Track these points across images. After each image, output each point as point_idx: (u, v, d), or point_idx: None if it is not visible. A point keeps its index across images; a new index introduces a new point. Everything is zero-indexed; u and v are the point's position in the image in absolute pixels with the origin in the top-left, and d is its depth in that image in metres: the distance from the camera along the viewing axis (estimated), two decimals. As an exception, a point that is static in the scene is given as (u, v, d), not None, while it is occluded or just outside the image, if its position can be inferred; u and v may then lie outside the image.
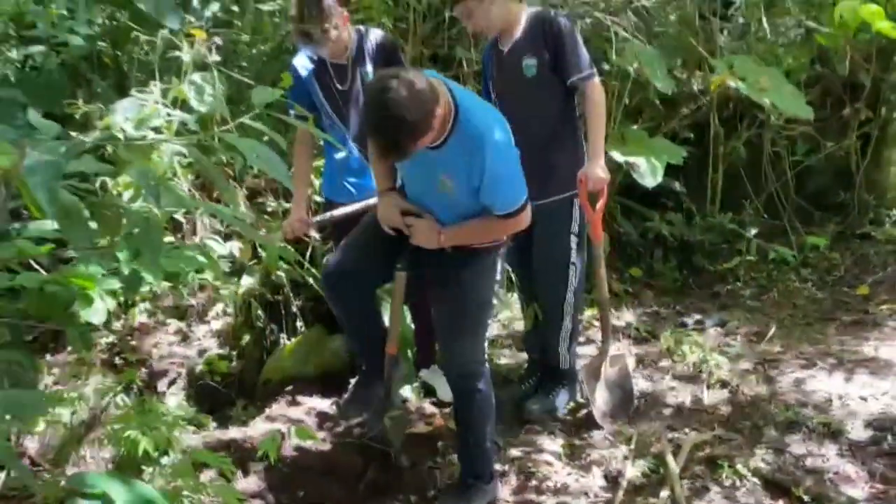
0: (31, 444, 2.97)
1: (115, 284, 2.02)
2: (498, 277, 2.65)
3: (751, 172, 4.96)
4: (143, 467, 2.35)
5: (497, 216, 2.39)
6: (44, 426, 2.88)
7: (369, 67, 2.99)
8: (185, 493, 2.23)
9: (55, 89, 4.16)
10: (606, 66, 4.89)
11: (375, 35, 3.07)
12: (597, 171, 2.91)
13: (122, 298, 2.44)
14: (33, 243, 2.08)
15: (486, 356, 2.65)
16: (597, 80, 2.97)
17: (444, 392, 3.32)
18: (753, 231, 4.61)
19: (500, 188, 2.35)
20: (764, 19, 4.37)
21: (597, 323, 3.48)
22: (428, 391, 3.40)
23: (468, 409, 2.66)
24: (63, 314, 1.91)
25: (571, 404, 3.20)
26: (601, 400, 3.08)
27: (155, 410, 2.47)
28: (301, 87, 2.94)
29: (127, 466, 2.29)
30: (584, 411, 3.13)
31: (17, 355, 1.77)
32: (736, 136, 4.94)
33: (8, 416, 1.34)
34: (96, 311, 1.99)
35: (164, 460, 2.40)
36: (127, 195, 2.73)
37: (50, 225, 2.32)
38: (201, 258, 2.13)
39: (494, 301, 2.74)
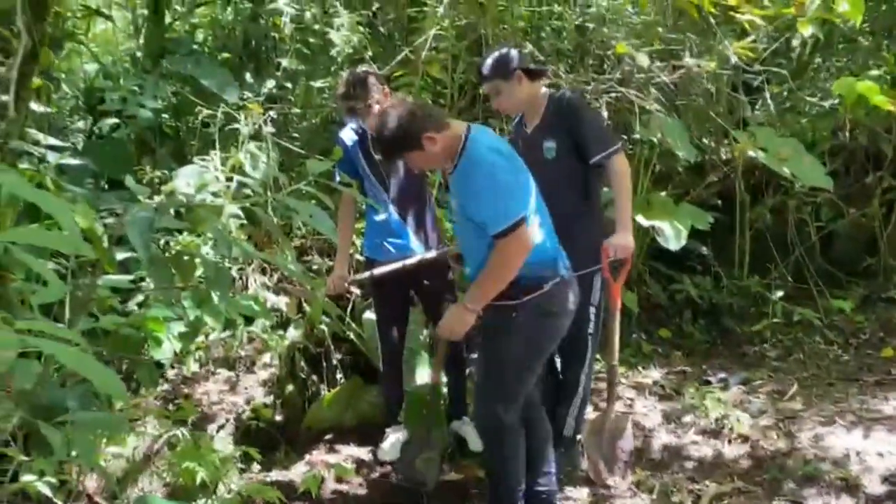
0: (90, 483, 3.22)
1: (182, 328, 2.29)
2: (533, 336, 2.60)
3: (777, 237, 5.10)
4: (196, 499, 2.55)
5: (494, 239, 2.43)
6: (103, 463, 3.13)
7: None
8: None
9: (124, 157, 4.57)
10: (635, 136, 5.20)
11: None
12: (624, 240, 2.99)
13: (179, 347, 2.69)
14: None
15: (512, 413, 2.63)
16: (621, 153, 3.06)
17: (476, 443, 3.48)
18: (779, 294, 4.72)
19: (485, 200, 2.44)
20: (768, 95, 4.56)
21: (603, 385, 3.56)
22: (460, 442, 3.56)
23: (493, 461, 2.78)
24: (135, 354, 2.16)
25: (567, 469, 3.23)
26: (599, 456, 3.17)
27: (208, 447, 2.69)
28: (347, 156, 3.24)
29: (181, 497, 2.50)
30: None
31: (91, 388, 2.02)
32: (762, 203, 5.13)
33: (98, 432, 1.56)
34: (164, 352, 2.25)
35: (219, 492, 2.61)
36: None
37: (122, 278, 2.63)
38: (255, 308, 2.38)
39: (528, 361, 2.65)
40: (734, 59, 3.92)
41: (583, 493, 3.07)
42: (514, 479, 2.72)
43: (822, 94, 5.52)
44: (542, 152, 3.06)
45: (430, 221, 3.36)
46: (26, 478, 2.70)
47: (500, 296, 2.51)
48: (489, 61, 3.04)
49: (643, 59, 3.87)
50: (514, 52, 3.08)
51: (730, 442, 3.32)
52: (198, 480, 2.44)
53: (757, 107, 5.39)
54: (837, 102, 5.12)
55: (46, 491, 2.91)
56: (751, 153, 4.24)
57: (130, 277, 2.56)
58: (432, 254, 3.24)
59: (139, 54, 5.11)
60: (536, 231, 2.51)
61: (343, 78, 3.20)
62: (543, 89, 3.16)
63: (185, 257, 1.61)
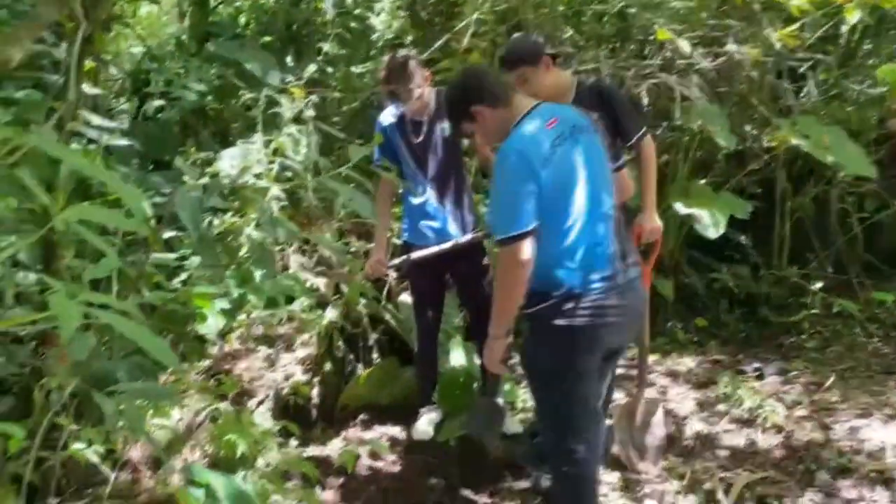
0: (135, 453, 3.35)
1: (226, 304, 2.37)
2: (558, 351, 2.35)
3: (818, 227, 5.02)
4: (236, 471, 2.64)
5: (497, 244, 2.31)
6: (145, 436, 3.25)
7: (447, 123, 3.31)
8: (273, 495, 2.52)
9: (169, 139, 4.68)
10: (674, 123, 5.15)
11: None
12: (653, 222, 3.06)
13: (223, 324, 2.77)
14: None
15: (561, 443, 2.41)
16: (649, 136, 3.10)
17: (508, 425, 3.53)
18: (819, 285, 4.66)
19: (493, 200, 2.39)
20: (813, 83, 4.47)
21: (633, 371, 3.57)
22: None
23: (553, 486, 2.69)
24: (181, 329, 2.25)
25: None
26: (633, 442, 3.19)
27: (249, 421, 2.78)
28: (386, 139, 3.28)
29: (222, 468, 2.59)
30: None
31: (144, 361, 2.11)
32: (803, 192, 5.05)
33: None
34: (209, 328, 2.33)
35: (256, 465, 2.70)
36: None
37: (168, 256, 2.72)
38: (295, 287, 2.44)
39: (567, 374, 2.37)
40: (778, 46, 3.86)
41: (613, 476, 3.10)
42: None
43: (870, 82, 5.40)
44: None
45: (467, 205, 3.39)
46: (76, 446, 2.83)
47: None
48: (514, 48, 3.01)
49: (685, 45, 3.84)
50: (538, 38, 3.07)
51: (763, 432, 3.31)
52: (238, 453, 2.53)
53: (801, 95, 5.30)
54: (886, 90, 5.01)
55: (94, 458, 3.04)
56: (793, 141, 4.17)
57: (175, 256, 2.64)
58: (468, 237, 3.28)
59: (184, 37, 5.21)
60: (564, 243, 2.28)
61: (384, 62, 3.23)
62: (568, 75, 3.15)
63: (231, 237, 1.67)
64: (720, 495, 2.85)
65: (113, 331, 2.08)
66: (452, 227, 3.31)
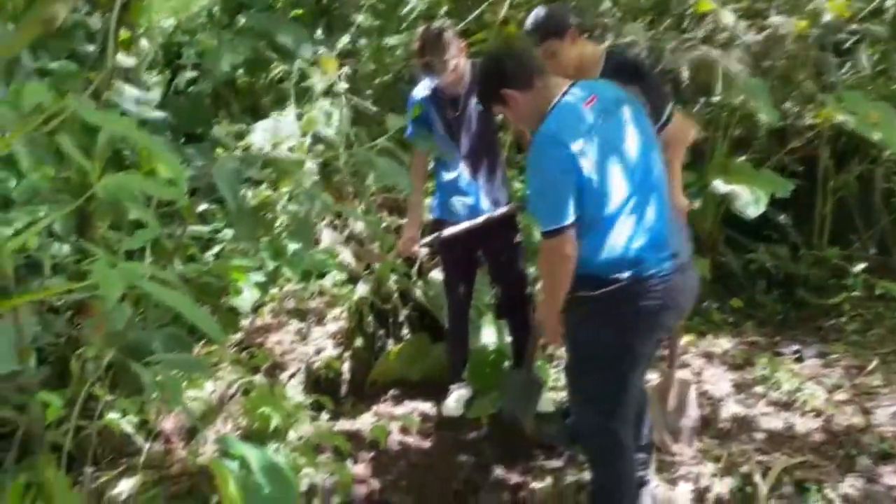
0: (168, 423, 3.38)
1: (261, 278, 2.35)
2: (611, 339, 2.30)
3: (861, 207, 4.87)
4: (268, 443, 2.65)
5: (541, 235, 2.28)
6: (182, 406, 3.28)
7: None
8: (305, 468, 2.52)
9: (201, 112, 4.67)
10: (713, 98, 5.02)
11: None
12: (679, 199, 2.92)
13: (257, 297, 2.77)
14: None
15: (603, 427, 2.39)
16: (678, 114, 2.98)
17: (541, 403, 3.50)
18: (861, 266, 4.53)
19: (531, 190, 2.36)
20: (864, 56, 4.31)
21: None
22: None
23: (590, 468, 2.64)
24: (215, 301, 2.24)
25: None
26: (666, 423, 3.14)
27: (282, 394, 2.78)
28: (420, 113, 3.22)
29: (254, 440, 2.60)
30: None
31: (178, 332, 2.10)
32: (847, 170, 4.90)
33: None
34: (244, 300, 2.32)
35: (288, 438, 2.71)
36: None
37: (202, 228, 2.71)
38: (329, 261, 2.42)
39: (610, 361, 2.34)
40: (828, 18, 3.71)
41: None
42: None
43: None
44: None
45: (500, 180, 3.33)
46: (110, 416, 2.85)
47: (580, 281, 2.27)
48: (540, 21, 2.87)
49: (727, 17, 3.71)
50: (563, 9, 2.98)
51: (802, 415, 3.24)
52: (271, 426, 2.53)
53: (844, 70, 5.13)
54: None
55: (129, 429, 3.07)
56: (839, 117, 4.04)
57: (209, 228, 2.63)
58: (501, 211, 3.23)
59: (216, 10, 5.18)
60: (617, 231, 2.21)
61: (419, 33, 3.17)
62: (596, 47, 3.03)
63: (267, 210, 1.64)
64: (757, 478, 2.79)
65: (148, 301, 2.08)
66: (485, 203, 3.26)
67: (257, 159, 1.72)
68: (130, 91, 2.80)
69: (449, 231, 3.27)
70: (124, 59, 3.07)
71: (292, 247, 2.22)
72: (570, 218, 2.16)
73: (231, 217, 1.52)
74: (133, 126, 2.60)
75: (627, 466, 2.47)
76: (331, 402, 3.23)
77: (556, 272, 2.27)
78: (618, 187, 2.21)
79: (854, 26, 4.30)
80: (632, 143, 2.25)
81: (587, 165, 2.15)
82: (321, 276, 3.90)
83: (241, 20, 4.69)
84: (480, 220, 3.21)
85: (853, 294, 4.45)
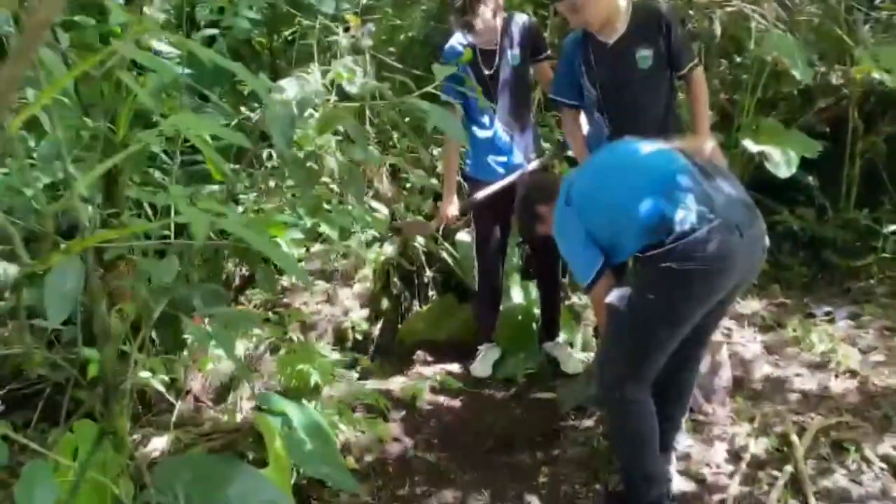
0: (195, 384, 3.38)
1: (299, 234, 2.31)
2: (665, 306, 2.24)
3: (890, 169, 4.79)
4: (303, 400, 2.63)
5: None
6: (211, 366, 3.27)
7: (517, 51, 3.17)
8: (341, 425, 2.50)
9: (221, 70, 4.58)
10: (739, 59, 4.91)
11: (521, 19, 3.23)
12: (705, 142, 2.86)
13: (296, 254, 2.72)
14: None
15: (626, 387, 2.34)
16: (700, 68, 2.98)
17: (568, 364, 3.48)
18: (892, 228, 4.47)
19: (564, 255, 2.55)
20: None
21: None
22: (551, 362, 3.57)
23: (609, 426, 2.65)
24: (255, 258, 2.20)
25: None
26: (699, 383, 3.11)
27: (317, 351, 2.76)
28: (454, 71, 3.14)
29: (290, 397, 2.58)
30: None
31: (216, 287, 2.07)
32: (876, 132, 4.80)
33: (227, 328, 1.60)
34: (283, 257, 2.27)
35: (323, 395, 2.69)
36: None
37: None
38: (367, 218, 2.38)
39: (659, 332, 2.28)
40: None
41: (682, 422, 3.03)
42: (638, 466, 2.43)
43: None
44: (636, 62, 2.87)
45: (533, 138, 3.28)
46: (142, 374, 2.84)
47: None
48: None
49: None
50: None
51: (837, 376, 3.21)
52: (311, 383, 2.51)
53: (872, 25, 5.00)
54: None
55: (159, 387, 3.05)
56: (875, 75, 3.94)
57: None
58: (534, 164, 3.18)
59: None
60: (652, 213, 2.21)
61: None
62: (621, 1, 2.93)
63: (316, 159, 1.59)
64: (794, 438, 2.77)
65: (188, 255, 2.04)
66: (519, 160, 3.21)
67: (311, 103, 1.65)
68: (158, 45, 2.72)
69: (485, 191, 3.22)
70: (151, 11, 2.99)
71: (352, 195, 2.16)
72: (596, 264, 2.35)
73: (284, 165, 1.47)
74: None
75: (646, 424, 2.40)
76: (366, 361, 3.21)
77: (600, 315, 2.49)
78: (641, 199, 2.24)
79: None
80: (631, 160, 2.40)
81: (599, 212, 2.34)
82: (346, 236, 3.86)
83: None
84: (514, 176, 3.16)
85: (882, 256, 4.39)
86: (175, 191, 1.42)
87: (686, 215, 2.16)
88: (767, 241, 2.37)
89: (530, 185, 2.87)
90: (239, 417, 2.96)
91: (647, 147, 2.41)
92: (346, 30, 3.88)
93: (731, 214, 2.19)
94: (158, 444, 2.95)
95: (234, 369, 3.13)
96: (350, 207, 2.40)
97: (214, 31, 4.30)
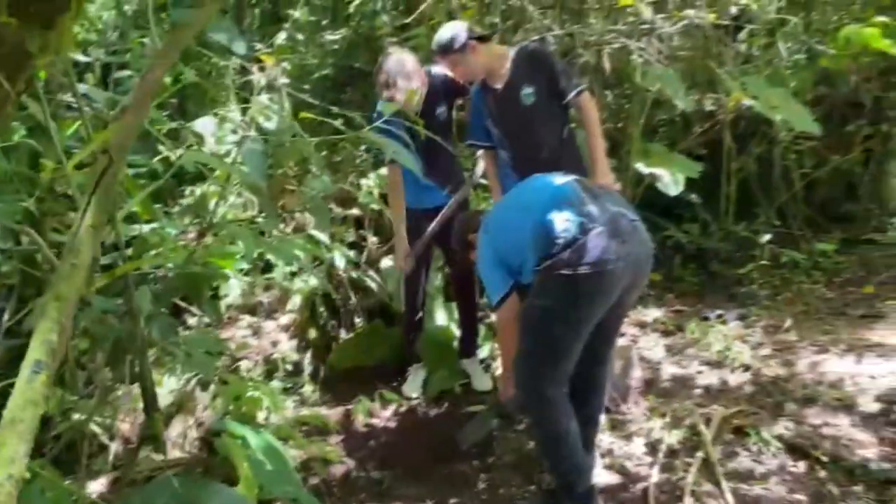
0: (125, 426, 3.34)
1: (245, 265, 2.40)
2: (563, 309, 2.45)
3: (762, 185, 5.33)
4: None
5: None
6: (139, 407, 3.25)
7: (443, 108, 3.43)
8: (291, 450, 2.59)
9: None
10: (624, 90, 5.36)
11: (440, 74, 3.44)
12: (606, 177, 3.22)
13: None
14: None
15: (544, 387, 2.52)
16: (587, 92, 3.30)
17: (479, 382, 3.69)
18: (767, 237, 4.97)
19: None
20: (781, 45, 4.73)
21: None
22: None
23: (532, 426, 2.85)
24: (200, 291, 2.28)
25: None
26: (611, 385, 3.34)
27: (256, 382, 2.83)
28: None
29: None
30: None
31: (169, 318, 2.14)
32: (747, 152, 5.35)
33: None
34: (232, 287, 2.36)
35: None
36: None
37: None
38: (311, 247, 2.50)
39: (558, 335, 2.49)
40: (734, 11, 4.08)
41: (601, 418, 3.28)
42: (563, 460, 2.60)
43: (800, 46, 5.74)
44: (521, 100, 3.23)
45: (456, 169, 3.53)
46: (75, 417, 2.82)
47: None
48: (440, 41, 3.18)
49: (645, 10, 4.01)
50: (460, 26, 3.22)
51: (733, 371, 3.57)
52: (263, 407, 2.58)
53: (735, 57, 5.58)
54: (807, 58, 5.35)
55: (96, 429, 3.03)
56: (744, 101, 4.42)
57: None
58: (461, 196, 3.42)
59: (131, 9, 5.06)
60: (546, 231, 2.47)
61: (380, 64, 3.29)
62: (500, 48, 3.36)
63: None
64: (702, 428, 3.07)
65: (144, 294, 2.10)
66: (446, 191, 3.46)
67: (282, 141, 1.78)
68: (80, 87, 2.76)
69: (429, 232, 3.42)
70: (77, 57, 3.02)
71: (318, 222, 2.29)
72: (505, 287, 2.63)
73: (257, 196, 1.58)
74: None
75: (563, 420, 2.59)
76: (309, 385, 3.29)
77: (505, 337, 2.77)
78: (532, 219, 2.53)
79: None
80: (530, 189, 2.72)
81: (506, 236, 2.63)
82: (269, 269, 3.94)
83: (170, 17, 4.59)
84: (451, 207, 3.38)
85: (761, 263, 4.88)
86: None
87: (568, 227, 2.43)
88: (653, 247, 2.64)
89: (462, 218, 3.14)
90: (176, 454, 2.98)
91: (550, 180, 2.70)
92: (262, 69, 3.98)
93: (612, 224, 2.46)
94: (94, 487, 2.92)
95: (165, 405, 3.13)
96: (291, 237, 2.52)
97: (127, 72, 4.32)
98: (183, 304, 3.42)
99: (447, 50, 3.15)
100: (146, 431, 3.38)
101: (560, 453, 2.61)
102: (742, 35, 5.80)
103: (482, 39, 3.22)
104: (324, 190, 2.08)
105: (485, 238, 2.72)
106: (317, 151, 3.38)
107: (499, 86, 3.26)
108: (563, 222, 2.43)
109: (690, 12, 4.08)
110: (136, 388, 3.24)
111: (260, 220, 3.56)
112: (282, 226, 4.07)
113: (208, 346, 1.76)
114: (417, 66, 3.28)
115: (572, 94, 3.24)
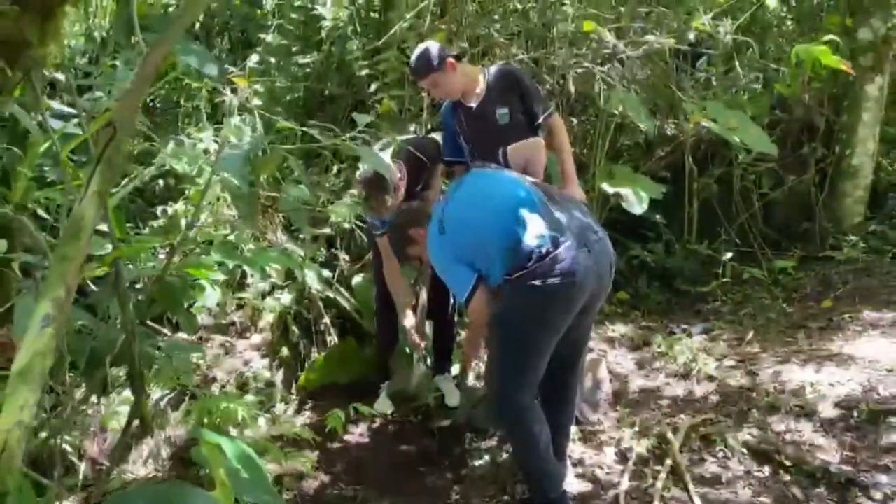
0: (94, 448, 3.31)
1: (221, 277, 2.42)
2: (535, 318, 2.53)
3: (723, 205, 5.51)
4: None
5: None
6: (114, 423, 3.22)
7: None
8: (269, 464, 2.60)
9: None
10: (588, 115, 5.51)
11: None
12: (577, 192, 3.36)
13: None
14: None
15: (517, 395, 2.58)
16: (556, 114, 3.47)
17: (451, 398, 3.73)
18: (728, 256, 5.12)
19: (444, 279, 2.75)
20: (738, 66, 4.92)
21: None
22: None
23: (507, 433, 2.88)
24: (177, 302, 2.29)
25: None
26: (581, 398, 3.41)
27: (230, 395, 2.83)
28: None
29: (214, 439, 2.63)
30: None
31: (145, 329, 2.15)
32: (708, 174, 5.52)
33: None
34: (209, 297, 2.38)
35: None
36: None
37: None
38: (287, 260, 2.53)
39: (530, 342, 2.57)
40: (693, 37, 4.25)
41: (571, 430, 3.33)
42: (530, 460, 2.68)
43: (756, 75, 5.98)
44: (496, 119, 3.33)
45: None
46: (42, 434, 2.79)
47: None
48: (421, 60, 3.25)
49: (608, 36, 4.17)
50: (436, 46, 3.32)
51: (698, 382, 3.66)
52: (239, 419, 2.58)
53: (694, 84, 5.78)
54: (763, 85, 5.59)
55: (68, 448, 2.99)
56: (704, 123, 4.59)
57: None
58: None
59: (108, 33, 5.09)
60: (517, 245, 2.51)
61: (360, 180, 3.33)
62: (475, 68, 3.48)
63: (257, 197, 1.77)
64: (670, 436, 3.15)
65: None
66: None
67: (260, 147, 1.83)
68: (58, 107, 2.79)
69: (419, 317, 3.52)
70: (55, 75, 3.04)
71: (248, 246, 2.34)
72: (470, 281, 2.58)
73: (236, 203, 1.62)
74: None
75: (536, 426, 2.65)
76: (263, 410, 3.29)
77: (476, 326, 2.80)
78: (498, 226, 2.56)
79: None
80: (474, 204, 2.67)
81: (466, 237, 2.59)
82: (241, 288, 3.95)
83: (140, 41, 4.63)
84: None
85: (723, 280, 5.02)
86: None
87: (540, 240, 2.50)
88: (614, 255, 2.73)
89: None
90: (143, 472, 2.96)
91: (503, 175, 2.80)
92: (234, 91, 4.04)
93: (579, 233, 2.56)
94: (66, 505, 2.88)
95: (134, 426, 3.10)
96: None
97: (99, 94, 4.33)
98: (153, 325, 3.43)
99: (428, 69, 3.22)
100: (124, 437, 3.33)
101: (534, 459, 2.67)
102: (701, 62, 6.06)
103: (457, 59, 3.32)
104: (301, 198, 2.13)
105: (439, 240, 2.65)
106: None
107: (472, 104, 3.36)
108: (535, 238, 2.50)
109: (651, 38, 4.24)
110: (103, 409, 3.24)
111: (232, 238, 3.60)
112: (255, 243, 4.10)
113: (188, 350, 1.78)
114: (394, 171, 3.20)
115: (543, 116, 3.36)
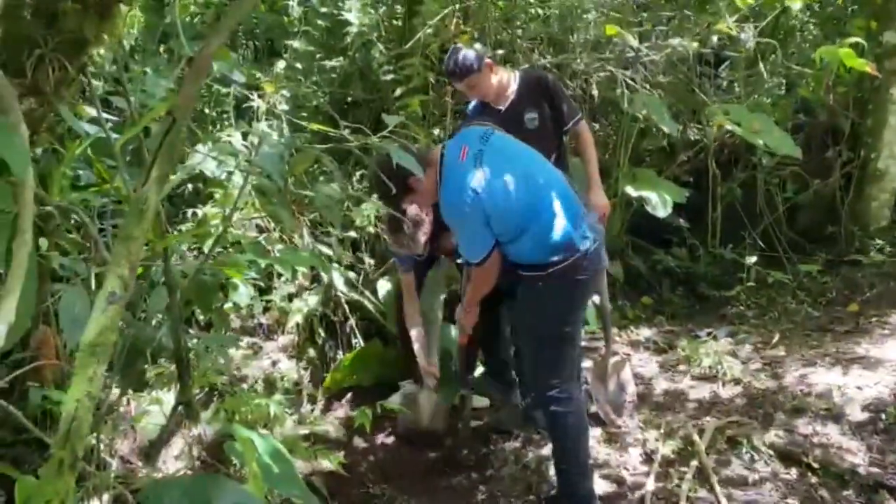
0: (124, 447, 3.37)
1: (254, 275, 2.47)
2: (559, 310, 2.65)
3: (747, 209, 5.49)
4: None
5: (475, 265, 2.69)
6: (145, 422, 3.28)
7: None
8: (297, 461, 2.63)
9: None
10: (611, 120, 5.53)
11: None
12: (601, 199, 3.43)
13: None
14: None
15: (560, 387, 2.66)
16: (584, 121, 3.52)
17: (478, 400, 3.74)
18: (753, 260, 5.10)
19: (459, 237, 2.74)
20: (763, 69, 4.91)
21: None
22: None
23: (549, 430, 2.89)
24: (209, 300, 2.34)
25: None
26: (608, 399, 3.47)
27: (259, 394, 2.88)
28: None
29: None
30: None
31: (183, 326, 2.20)
32: (732, 178, 5.51)
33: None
34: (241, 297, 2.43)
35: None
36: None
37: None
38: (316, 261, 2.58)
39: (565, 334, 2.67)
40: (715, 40, 4.25)
41: (596, 431, 3.33)
42: (571, 453, 2.73)
43: (779, 80, 5.96)
44: (525, 124, 3.38)
45: None
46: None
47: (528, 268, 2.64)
48: (461, 63, 3.28)
49: (631, 40, 4.18)
50: (474, 49, 3.38)
51: (724, 385, 3.65)
52: (271, 414, 2.63)
53: (716, 88, 5.78)
54: (786, 88, 5.56)
55: (101, 444, 3.05)
56: (727, 127, 4.58)
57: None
58: None
59: (139, 41, 5.19)
60: (540, 228, 2.57)
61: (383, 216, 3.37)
62: (508, 71, 3.53)
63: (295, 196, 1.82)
64: (696, 438, 3.14)
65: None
66: None
67: (294, 145, 1.88)
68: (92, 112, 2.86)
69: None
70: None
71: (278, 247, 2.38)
72: (491, 246, 2.59)
73: (274, 200, 1.67)
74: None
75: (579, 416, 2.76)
76: (308, 402, 3.33)
77: (483, 286, 2.79)
78: (522, 199, 2.57)
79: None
80: (514, 160, 2.66)
81: (488, 200, 2.52)
82: (268, 290, 4.00)
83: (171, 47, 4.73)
84: None
85: (748, 285, 5.00)
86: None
87: (586, 240, 2.63)
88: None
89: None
90: (174, 469, 3.00)
91: (546, 168, 2.79)
92: (261, 96, 4.10)
93: (598, 228, 2.76)
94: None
95: (162, 426, 3.14)
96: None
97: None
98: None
99: (468, 71, 3.26)
100: (167, 425, 3.34)
101: (574, 450, 2.73)
102: (724, 66, 6.06)
103: (495, 62, 3.38)
104: (333, 196, 2.17)
105: (471, 197, 2.51)
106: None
107: (502, 107, 3.41)
108: (582, 234, 2.62)
109: (674, 41, 4.25)
110: (133, 408, 3.29)
111: (261, 239, 3.65)
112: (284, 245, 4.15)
113: (228, 340, 1.83)
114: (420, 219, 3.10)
115: (571, 122, 3.39)
